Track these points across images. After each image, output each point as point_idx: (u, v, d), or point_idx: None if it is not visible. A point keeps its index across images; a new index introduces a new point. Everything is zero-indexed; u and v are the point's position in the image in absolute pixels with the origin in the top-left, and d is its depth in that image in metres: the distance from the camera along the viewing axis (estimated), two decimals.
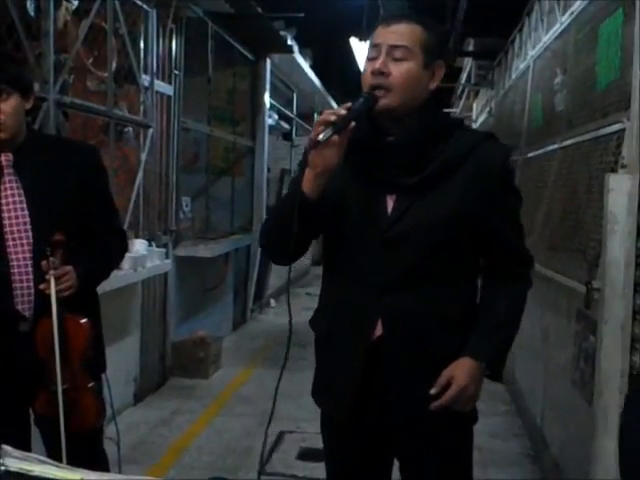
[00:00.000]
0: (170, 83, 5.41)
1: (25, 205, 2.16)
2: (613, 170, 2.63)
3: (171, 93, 5.44)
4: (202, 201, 6.81)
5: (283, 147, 10.00)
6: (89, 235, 2.27)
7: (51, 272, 2.05)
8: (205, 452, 4.14)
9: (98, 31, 4.27)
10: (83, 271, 2.16)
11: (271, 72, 8.27)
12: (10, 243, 2.14)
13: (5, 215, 2.14)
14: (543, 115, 4.65)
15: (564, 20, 4.05)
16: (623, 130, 2.63)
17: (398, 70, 1.72)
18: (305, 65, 9.53)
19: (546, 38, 4.66)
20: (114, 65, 4.43)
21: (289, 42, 7.99)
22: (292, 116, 10.53)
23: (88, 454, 2.21)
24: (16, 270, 2.14)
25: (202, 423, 4.64)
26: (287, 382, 6.08)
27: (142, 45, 4.87)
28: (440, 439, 1.85)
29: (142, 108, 4.88)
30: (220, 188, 7.36)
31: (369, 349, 1.81)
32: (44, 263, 2.06)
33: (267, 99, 8.19)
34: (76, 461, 1.85)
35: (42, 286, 2.08)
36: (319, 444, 4.08)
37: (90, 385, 2.22)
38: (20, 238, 2.14)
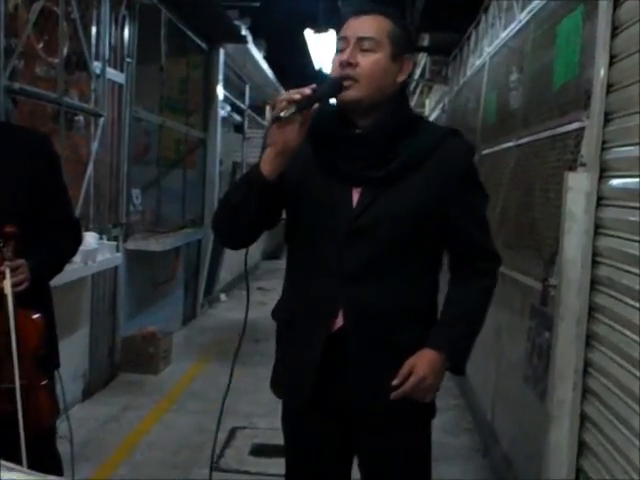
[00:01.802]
0: (122, 71, 5.34)
1: None
2: (571, 168, 2.70)
3: (123, 81, 5.36)
4: (153, 193, 6.73)
5: (235, 139, 9.97)
6: (42, 226, 2.23)
7: (6, 264, 2.01)
8: (156, 449, 4.14)
9: (49, 15, 4.18)
10: (36, 264, 2.12)
11: (224, 63, 8.22)
12: None
13: None
14: (498, 112, 4.73)
15: (522, 17, 4.13)
16: (582, 129, 2.70)
17: (366, 61, 1.77)
18: (259, 56, 9.50)
19: (503, 35, 4.73)
20: (65, 51, 4.36)
21: (243, 32, 7.93)
22: (244, 108, 10.49)
23: (42, 454, 2.14)
24: None
25: (153, 419, 4.64)
26: (240, 377, 6.09)
27: (94, 31, 4.80)
28: (399, 433, 1.90)
29: (93, 96, 4.81)
30: (171, 180, 7.28)
31: (330, 339, 1.85)
32: None
33: (220, 90, 8.15)
34: (30, 461, 1.93)
35: None
36: (272, 440, 4.16)
37: (44, 383, 2.17)
38: None
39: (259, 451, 4.11)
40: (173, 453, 4.07)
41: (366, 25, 1.80)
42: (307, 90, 1.72)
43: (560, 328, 2.51)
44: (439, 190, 1.82)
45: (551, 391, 2.56)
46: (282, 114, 1.68)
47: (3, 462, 1.27)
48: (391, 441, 1.91)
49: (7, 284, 2.01)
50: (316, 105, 1.73)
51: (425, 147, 1.83)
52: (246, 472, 3.86)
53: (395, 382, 1.80)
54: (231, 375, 1.89)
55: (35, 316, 2.12)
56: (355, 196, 1.84)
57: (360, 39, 1.78)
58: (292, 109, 1.68)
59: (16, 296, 2.04)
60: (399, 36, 1.82)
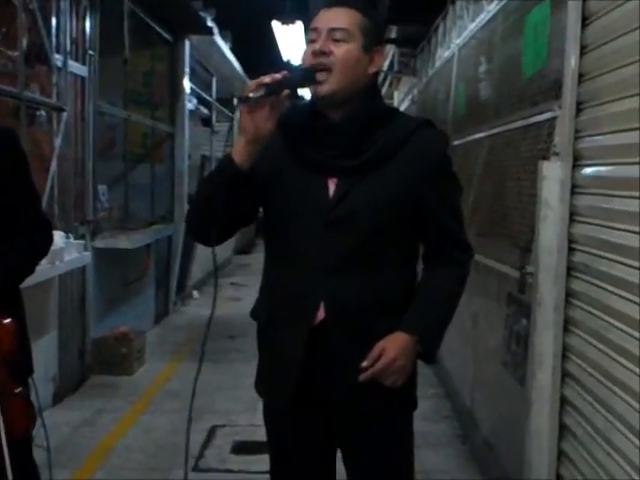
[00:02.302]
0: (84, 64, 5.27)
1: None
2: (545, 158, 2.78)
3: (86, 74, 5.31)
4: (120, 190, 6.68)
5: (203, 133, 9.96)
6: (11, 227, 2.17)
7: None
8: (134, 451, 4.13)
9: (6, 6, 4.16)
10: (6, 267, 2.09)
11: (190, 55, 8.18)
12: None
13: None
14: (468, 103, 4.81)
15: (491, 9, 4.21)
16: (554, 118, 2.78)
17: (339, 50, 1.81)
18: (225, 48, 9.46)
19: (472, 27, 4.80)
20: (24, 43, 4.30)
21: (209, 23, 7.90)
22: (212, 101, 10.46)
23: (18, 465, 2.07)
24: None
25: (129, 422, 4.63)
26: (218, 375, 6.16)
27: (54, 23, 4.72)
28: (381, 426, 1.93)
29: (55, 90, 4.75)
30: (139, 176, 7.25)
31: (312, 333, 1.87)
32: None
33: (187, 83, 8.11)
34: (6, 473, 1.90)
35: None
36: (253, 437, 4.20)
37: (18, 390, 2.12)
38: None
39: (241, 449, 4.12)
40: (151, 455, 4.07)
41: (338, 16, 1.85)
42: (278, 75, 1.75)
43: (538, 314, 2.60)
44: (414, 179, 1.86)
45: (531, 376, 2.65)
46: (250, 95, 1.71)
47: None
48: (373, 434, 1.94)
49: None
50: (286, 91, 1.75)
51: (399, 137, 1.86)
52: (228, 471, 3.87)
53: (364, 364, 1.81)
54: (198, 373, 1.88)
55: (6, 321, 2.05)
56: (331, 187, 1.87)
57: (332, 30, 1.83)
58: (261, 92, 1.71)
59: None
60: (370, 28, 1.86)
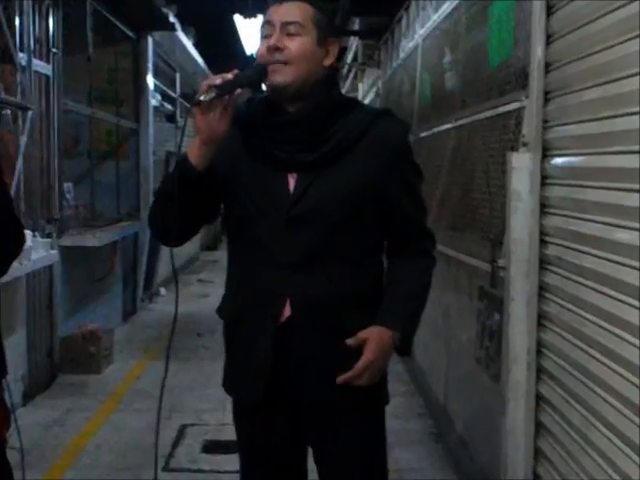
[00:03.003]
0: (49, 62, 5.22)
1: None
2: (513, 148, 2.71)
3: (50, 73, 5.24)
4: (86, 187, 6.62)
5: (168, 129, 9.82)
6: None
7: None
8: (104, 451, 4.04)
9: None
10: None
11: (153, 51, 8.13)
12: None
13: None
14: (434, 94, 4.73)
15: None
16: (522, 108, 2.70)
17: (293, 44, 1.77)
18: (188, 43, 9.39)
19: (435, 17, 4.73)
20: None
21: (171, 19, 7.90)
22: (175, 97, 10.35)
23: None
24: None
25: (99, 421, 4.53)
26: (187, 373, 6.05)
27: (17, 22, 4.66)
28: (352, 422, 1.88)
29: (20, 89, 4.68)
30: (104, 173, 7.19)
31: (279, 331, 1.82)
32: None
33: (150, 79, 8.06)
34: None
35: None
36: (223, 436, 4.09)
37: None
38: None
39: (211, 448, 4.03)
40: (122, 455, 3.97)
41: (290, 10, 1.80)
42: (229, 75, 1.71)
43: (511, 309, 2.52)
44: (375, 169, 1.81)
45: (505, 373, 2.56)
46: (201, 98, 1.67)
47: None
48: (344, 431, 1.89)
49: None
50: (238, 90, 1.72)
51: (358, 128, 1.82)
52: (199, 470, 3.78)
53: (350, 341, 1.75)
54: (165, 376, 1.84)
55: None
56: (291, 182, 1.82)
57: (285, 24, 1.78)
58: (212, 94, 1.67)
59: None
60: (323, 20, 1.82)
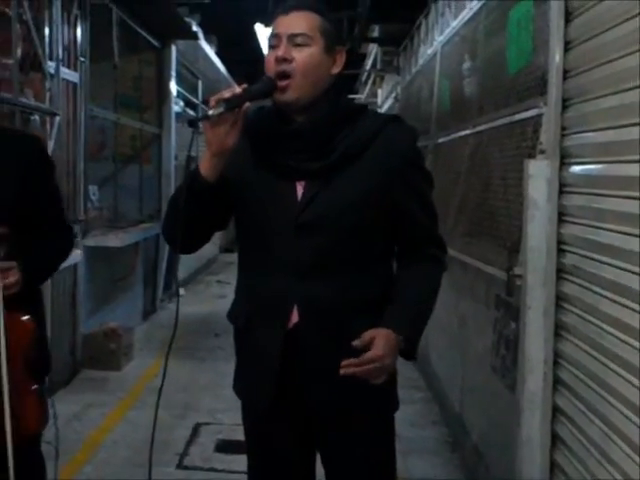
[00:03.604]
0: (76, 70, 5.21)
1: None
2: (531, 156, 2.60)
3: (77, 80, 5.23)
4: (110, 190, 6.60)
5: (189, 134, 9.77)
6: (35, 230, 2.11)
7: None
8: (121, 447, 3.96)
9: (1, 17, 4.07)
10: (28, 267, 2.00)
11: (177, 59, 8.10)
12: None
13: None
14: (453, 100, 4.64)
15: (473, 5, 4.04)
16: (540, 115, 2.60)
17: (301, 55, 1.72)
18: (210, 51, 9.37)
19: (454, 24, 4.64)
20: (19, 52, 4.23)
21: (194, 28, 7.88)
22: (198, 103, 10.31)
23: (27, 460, 2.06)
24: None
25: (116, 417, 4.45)
26: (202, 373, 5.98)
27: (47, 32, 4.65)
28: (361, 427, 1.82)
29: (48, 96, 4.66)
30: (128, 176, 7.14)
31: (287, 337, 1.77)
32: None
33: (173, 86, 8.02)
34: (15, 467, 1.90)
35: None
36: (237, 436, 3.99)
37: (33, 388, 2.04)
38: None
39: (224, 447, 3.93)
40: (137, 451, 3.86)
41: (296, 21, 1.75)
42: (237, 89, 1.67)
43: (527, 318, 2.39)
44: (383, 176, 1.75)
45: (521, 383, 2.44)
46: (210, 112, 1.63)
47: None
48: (353, 436, 1.83)
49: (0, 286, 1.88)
50: (247, 104, 1.68)
51: (365, 135, 1.76)
52: (212, 469, 3.70)
53: (356, 343, 1.64)
54: (165, 370, 1.82)
55: (24, 318, 2.00)
56: (299, 190, 1.77)
57: (292, 35, 1.73)
58: (221, 108, 1.63)
59: (7, 299, 1.91)
60: (329, 29, 1.77)
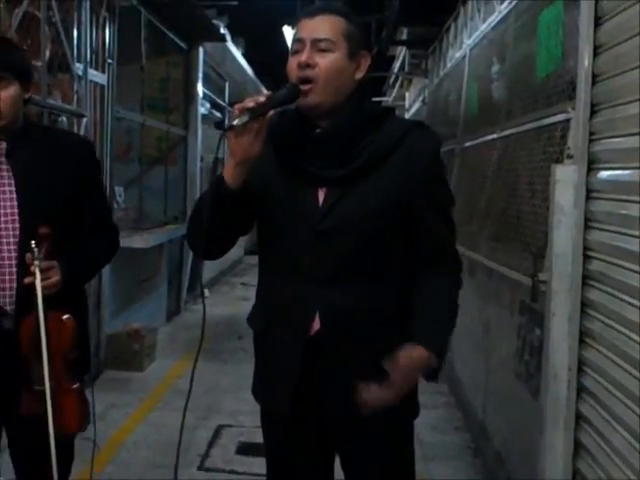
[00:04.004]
0: (104, 72, 5.26)
1: (15, 196, 2.04)
2: (558, 160, 2.59)
3: (105, 82, 5.28)
4: (135, 191, 6.64)
5: (215, 136, 9.82)
6: (80, 231, 2.15)
7: (36, 263, 1.92)
8: (142, 447, 3.99)
9: (31, 19, 4.10)
10: (69, 267, 2.03)
11: (204, 61, 8.13)
12: None
13: None
14: (480, 104, 4.62)
15: (502, 9, 4.02)
16: (568, 120, 2.58)
17: (324, 61, 1.70)
18: (237, 54, 9.41)
19: (483, 27, 4.63)
20: (47, 54, 4.26)
21: (222, 31, 7.90)
22: (224, 105, 10.36)
23: (60, 456, 2.08)
24: None
25: (138, 417, 4.49)
26: (225, 375, 5.98)
27: (75, 34, 4.70)
28: (381, 434, 1.80)
29: (76, 97, 4.71)
30: (153, 178, 7.20)
31: (308, 344, 1.76)
32: (28, 256, 1.93)
33: (200, 88, 8.05)
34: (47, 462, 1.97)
35: (27, 280, 1.94)
36: (258, 438, 3.97)
37: (74, 386, 2.07)
38: (6, 229, 2.03)
39: (245, 450, 3.95)
40: (159, 452, 3.90)
41: (320, 26, 1.72)
42: (261, 98, 1.65)
43: (552, 325, 2.38)
44: (405, 185, 1.73)
45: (544, 390, 2.43)
46: (235, 122, 1.61)
47: None
48: (372, 440, 1.82)
49: (37, 285, 1.92)
50: (271, 112, 1.66)
51: (388, 142, 1.74)
52: (233, 471, 3.71)
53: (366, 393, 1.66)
54: (193, 373, 1.77)
55: (65, 317, 2.03)
56: (321, 197, 1.75)
57: (316, 40, 1.70)
58: (245, 117, 1.61)
59: (48, 298, 1.96)
60: (354, 33, 1.75)
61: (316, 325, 1.75)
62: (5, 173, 2.05)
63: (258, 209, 1.82)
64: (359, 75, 1.77)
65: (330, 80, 1.70)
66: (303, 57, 1.69)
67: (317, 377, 1.76)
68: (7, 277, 2.02)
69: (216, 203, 1.68)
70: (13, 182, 2.05)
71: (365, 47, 1.79)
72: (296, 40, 1.74)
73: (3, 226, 2.02)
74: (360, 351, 1.73)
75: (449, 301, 1.82)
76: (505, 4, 3.96)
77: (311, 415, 1.81)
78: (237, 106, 1.64)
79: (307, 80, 1.69)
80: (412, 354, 1.67)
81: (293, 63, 1.71)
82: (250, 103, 1.62)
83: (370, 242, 1.73)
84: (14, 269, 2.01)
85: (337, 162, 1.73)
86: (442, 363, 1.78)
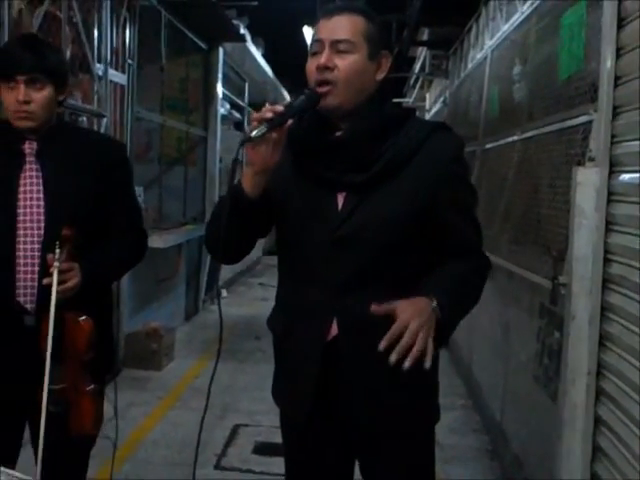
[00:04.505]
0: (124, 72, 5.31)
1: (42, 195, 2.06)
2: (580, 163, 2.57)
3: (125, 82, 5.33)
4: (155, 191, 6.67)
5: (235, 137, 9.87)
6: (109, 232, 2.17)
7: (55, 264, 1.93)
8: (161, 446, 4.02)
9: (52, 20, 4.15)
10: (90, 269, 2.03)
11: (224, 61, 8.16)
12: (21, 232, 2.04)
13: (21, 204, 2.05)
14: (501, 106, 4.61)
15: (525, 10, 4.01)
16: (590, 122, 2.57)
17: (343, 63, 1.67)
18: (257, 54, 9.42)
19: (505, 28, 4.61)
20: (68, 54, 4.30)
21: (241, 31, 7.90)
22: (244, 105, 10.39)
23: (74, 459, 2.15)
24: (22, 260, 2.04)
25: (157, 416, 4.52)
26: (242, 375, 6.01)
27: (96, 34, 4.75)
28: (401, 437, 1.79)
29: (96, 97, 4.76)
30: (173, 178, 7.22)
31: (326, 348, 1.74)
32: (50, 256, 1.94)
33: (219, 89, 8.08)
34: (63, 462, 2.03)
35: (45, 280, 1.95)
36: (275, 438, 4.03)
37: (89, 388, 2.06)
38: (32, 228, 2.05)
39: (262, 449, 3.97)
40: (177, 451, 3.94)
41: (339, 26, 1.69)
42: (279, 107, 1.62)
43: (571, 328, 2.37)
44: (427, 188, 1.69)
45: (563, 393, 2.42)
46: (253, 134, 1.58)
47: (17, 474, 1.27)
48: (392, 445, 1.80)
49: (53, 286, 1.93)
50: (290, 121, 1.63)
51: (409, 145, 1.70)
52: (249, 471, 3.73)
53: (375, 308, 1.54)
54: (213, 373, 1.77)
55: (81, 319, 2.03)
56: (340, 202, 1.73)
57: (335, 42, 1.67)
58: (264, 129, 1.58)
59: (67, 298, 1.97)
60: (374, 33, 1.71)
61: (334, 331, 1.74)
62: (34, 173, 2.07)
63: (277, 214, 1.80)
64: (380, 76, 1.74)
65: (350, 82, 1.67)
66: (322, 59, 1.67)
67: (336, 382, 1.75)
68: (29, 276, 2.04)
69: (234, 211, 1.67)
70: (41, 182, 2.07)
71: (386, 47, 1.76)
72: (315, 41, 1.71)
73: (29, 225, 2.04)
74: (377, 358, 1.62)
75: (464, 279, 1.73)
76: (527, 4, 3.95)
77: (330, 419, 1.80)
78: (255, 116, 1.61)
79: (326, 82, 1.66)
80: (413, 302, 1.56)
81: (312, 65, 1.69)
82: (268, 114, 1.59)
83: (388, 250, 1.71)
84: (36, 268, 2.03)
85: (357, 167, 1.70)
86: (449, 321, 1.63)
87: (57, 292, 1.93)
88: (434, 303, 1.58)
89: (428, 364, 1.51)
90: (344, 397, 1.76)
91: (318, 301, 1.74)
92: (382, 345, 1.50)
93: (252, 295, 8.83)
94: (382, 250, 1.70)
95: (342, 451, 1.88)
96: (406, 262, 1.73)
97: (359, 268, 1.71)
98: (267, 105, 1.63)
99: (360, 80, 1.69)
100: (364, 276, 1.71)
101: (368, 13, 1.72)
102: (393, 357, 1.49)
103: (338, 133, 1.73)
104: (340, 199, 1.72)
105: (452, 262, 1.75)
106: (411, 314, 1.52)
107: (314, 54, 1.70)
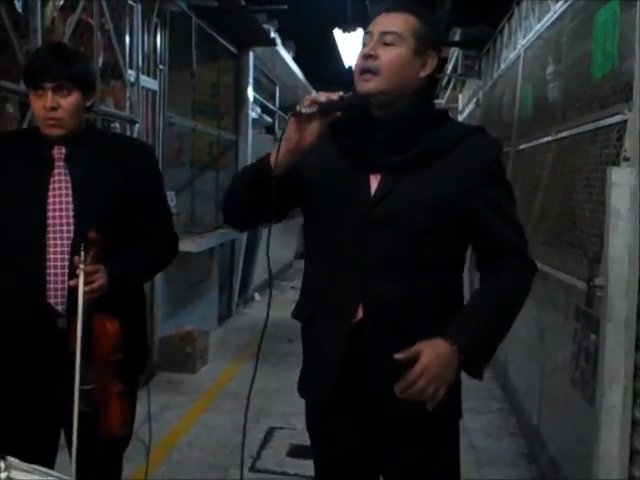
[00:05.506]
0: (155, 78, 5.37)
1: (71, 199, 2.11)
2: (614, 163, 2.56)
3: (156, 88, 5.39)
4: (187, 195, 6.74)
5: (266, 141, 9.92)
6: (139, 236, 2.21)
7: (81, 267, 1.98)
8: (195, 448, 4.07)
9: (85, 27, 4.22)
10: (116, 270, 2.08)
11: (254, 65, 8.20)
12: (50, 236, 2.09)
13: (50, 207, 2.10)
14: (535, 106, 4.58)
15: (557, 8, 4.00)
16: (625, 122, 2.56)
17: (386, 54, 1.73)
18: (288, 58, 9.45)
19: (538, 27, 4.59)
20: (100, 61, 4.37)
21: (272, 35, 7.92)
22: (275, 109, 10.43)
23: (106, 462, 2.19)
24: (52, 263, 2.09)
25: (191, 419, 4.57)
26: (276, 378, 6.04)
27: (127, 40, 4.82)
28: (421, 429, 1.79)
29: (128, 103, 4.82)
30: (204, 182, 7.28)
31: (351, 332, 1.76)
32: (76, 259, 2.00)
33: (250, 93, 8.12)
34: (94, 466, 2.06)
35: (72, 282, 2.01)
36: (309, 441, 4.04)
37: (117, 390, 2.09)
38: (61, 232, 2.09)
39: (297, 452, 3.99)
40: (211, 453, 3.99)
41: (392, 21, 1.77)
42: (334, 96, 1.66)
43: (607, 330, 2.36)
44: (461, 183, 1.73)
45: (600, 396, 2.40)
46: (303, 110, 1.64)
47: (40, 467, 1.26)
48: (413, 436, 1.81)
49: (80, 287, 1.98)
50: (338, 113, 1.67)
51: (448, 139, 1.75)
52: (284, 473, 3.76)
53: (399, 356, 1.61)
54: (254, 377, 1.81)
55: (109, 321, 2.07)
56: (373, 184, 1.76)
57: (383, 33, 1.74)
58: (314, 109, 1.64)
59: (96, 300, 2.02)
60: (424, 32, 1.77)
61: (359, 315, 1.76)
62: (64, 177, 2.12)
63: (308, 195, 1.82)
64: (424, 73, 1.78)
65: (392, 73, 1.72)
66: (367, 48, 1.74)
67: (359, 367, 1.77)
68: (59, 278, 2.08)
69: (253, 180, 1.71)
70: (70, 186, 2.11)
71: (434, 47, 1.80)
72: (366, 33, 1.79)
73: (58, 229, 2.09)
74: (400, 345, 1.67)
75: (496, 299, 1.77)
76: (560, 3, 3.93)
77: (354, 406, 1.81)
78: (308, 97, 1.67)
79: (368, 70, 1.72)
80: (435, 347, 1.63)
81: (359, 55, 1.76)
82: (322, 98, 1.65)
83: (418, 236, 1.73)
84: (66, 271, 2.07)
85: (393, 149, 1.74)
86: (478, 358, 1.72)
87: (84, 293, 1.97)
88: (455, 347, 1.65)
89: (429, 407, 1.63)
90: (365, 383, 1.77)
91: (345, 285, 1.76)
92: (397, 390, 1.62)
93: (284, 299, 8.83)
94: (413, 235, 1.73)
95: (365, 443, 1.88)
96: (437, 251, 1.76)
97: (388, 252, 1.73)
98: (320, 93, 1.68)
99: (402, 73, 1.74)
100: (392, 261, 1.73)
101: (422, 14, 1.80)
102: (400, 395, 1.61)
103: (378, 115, 1.77)
104: (373, 181, 1.76)
105: (489, 279, 1.79)
106: (429, 360, 1.61)
107: (364, 45, 1.78)
